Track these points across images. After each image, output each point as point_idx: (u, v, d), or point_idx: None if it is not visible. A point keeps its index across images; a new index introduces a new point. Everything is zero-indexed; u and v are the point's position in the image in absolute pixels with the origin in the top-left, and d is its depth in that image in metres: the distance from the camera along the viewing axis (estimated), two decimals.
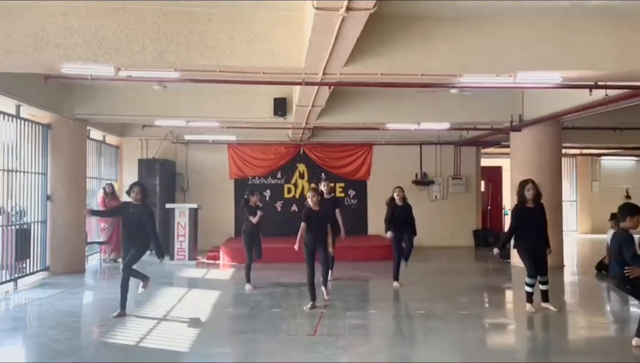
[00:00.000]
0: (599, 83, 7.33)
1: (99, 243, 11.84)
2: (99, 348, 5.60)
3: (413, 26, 6.40)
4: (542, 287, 7.08)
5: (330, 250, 7.32)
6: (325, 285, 7.49)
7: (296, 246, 7.14)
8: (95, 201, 12.31)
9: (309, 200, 7.18)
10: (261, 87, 9.39)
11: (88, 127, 11.32)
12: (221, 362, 5.19)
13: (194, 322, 6.56)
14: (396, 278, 8.75)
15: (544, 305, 7.09)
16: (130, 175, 13.45)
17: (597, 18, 6.30)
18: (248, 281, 8.43)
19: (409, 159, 14.82)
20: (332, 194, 10.25)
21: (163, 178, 13.18)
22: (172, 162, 14.05)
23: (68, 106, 10.17)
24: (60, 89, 9.79)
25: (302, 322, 6.52)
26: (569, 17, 6.31)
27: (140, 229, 6.68)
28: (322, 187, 9.21)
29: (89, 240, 11.30)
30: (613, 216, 10.30)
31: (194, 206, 12.07)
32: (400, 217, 8.67)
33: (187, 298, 8.08)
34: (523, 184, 7.02)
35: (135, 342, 5.67)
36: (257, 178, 14.57)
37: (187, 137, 13.58)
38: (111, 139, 13.62)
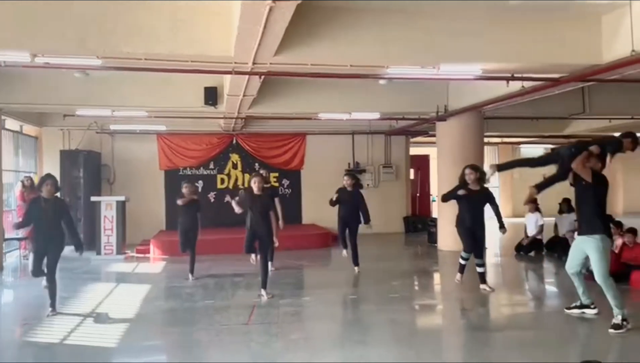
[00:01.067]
0: (516, 75, 7.78)
1: (17, 239, 11.17)
2: (23, 347, 5.35)
3: (342, 17, 6.51)
4: (479, 269, 7.43)
5: (275, 240, 7.14)
6: (265, 287, 7.11)
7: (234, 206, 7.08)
8: (13, 195, 11.60)
9: (253, 185, 7.04)
10: (191, 75, 9.17)
11: (3, 117, 10.61)
12: (150, 359, 5.11)
13: (122, 317, 6.38)
14: (345, 246, 8.92)
15: (482, 286, 7.43)
16: (51, 167, 12.69)
17: (515, 14, 6.69)
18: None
19: (341, 148, 15.04)
20: (269, 184, 10.24)
21: (87, 170, 12.61)
22: (97, 153, 13.46)
23: None
24: None
25: (236, 312, 6.51)
26: (488, 12, 6.65)
27: (56, 224, 6.31)
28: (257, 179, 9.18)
29: (6, 236, 10.64)
30: (531, 200, 11.03)
31: (122, 198, 11.64)
32: (347, 202, 8.75)
33: (115, 294, 7.83)
34: (462, 170, 7.34)
35: (60, 340, 5.45)
36: (188, 169, 14.26)
37: (112, 127, 13.02)
38: (29, 129, 12.84)
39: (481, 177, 7.25)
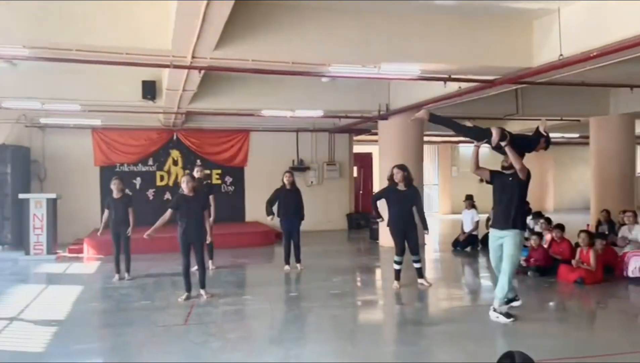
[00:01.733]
0: (453, 76, 8.01)
1: None
2: None
3: (284, 14, 6.47)
4: (415, 265, 7.56)
5: (209, 237, 7.03)
6: (204, 286, 6.96)
7: (146, 235, 6.72)
8: None
9: (183, 186, 6.87)
10: (128, 69, 8.84)
11: None
12: (81, 361, 4.89)
13: (52, 320, 6.05)
14: (288, 261, 8.89)
15: (419, 281, 7.58)
16: None
17: (452, 16, 6.88)
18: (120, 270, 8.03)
19: (286, 145, 14.98)
20: (207, 181, 10.05)
21: (16, 166, 11.91)
22: (26, 148, 12.71)
23: None
24: None
25: (173, 312, 6.34)
26: (427, 14, 6.80)
27: None
28: (196, 173, 9.00)
29: None
30: (467, 198, 11.44)
31: (52, 196, 11.07)
32: (289, 202, 8.74)
33: (45, 295, 7.45)
34: (391, 170, 7.47)
35: None
36: (125, 165, 13.75)
37: (43, 120, 12.35)
38: None
39: (409, 177, 7.40)
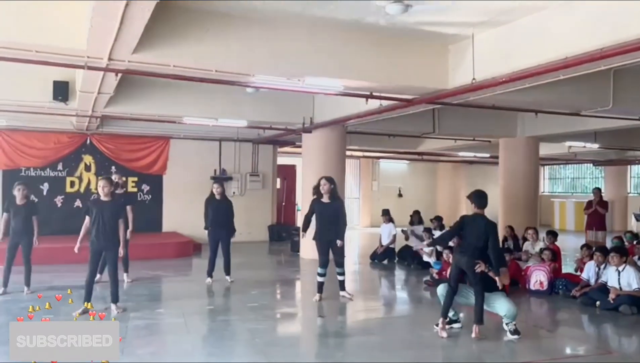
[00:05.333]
0: (374, 94, 8.24)
1: None
2: None
3: (209, 21, 6.34)
4: (339, 278, 7.60)
5: (121, 250, 6.63)
6: (116, 301, 6.63)
7: (76, 248, 6.44)
8: None
9: (99, 190, 6.50)
10: (38, 67, 8.28)
11: None
12: None
13: None
14: (210, 275, 8.67)
15: (342, 293, 7.62)
16: None
17: (374, 35, 7.06)
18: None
19: (208, 154, 14.68)
20: (125, 189, 9.58)
21: None
22: None
23: None
24: None
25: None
26: (350, 31, 6.94)
27: None
28: (113, 177, 8.56)
29: None
30: (385, 212, 11.77)
31: None
32: (218, 213, 8.53)
33: None
34: (318, 181, 7.45)
35: None
36: (32, 169, 12.84)
37: None
38: None
39: (334, 189, 7.46)
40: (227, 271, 8.77)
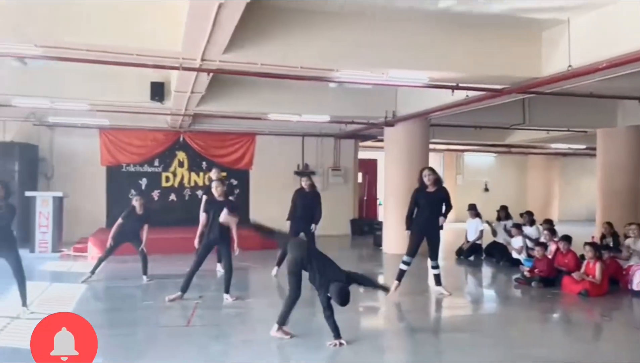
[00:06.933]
0: (461, 85, 8.01)
1: None
2: None
3: (294, 19, 6.50)
4: (434, 272, 7.46)
5: (235, 247, 6.90)
6: (228, 291, 6.93)
7: (196, 243, 6.86)
8: None
9: (213, 190, 6.91)
10: (137, 69, 8.91)
11: None
12: None
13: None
14: (280, 264, 8.78)
15: (437, 288, 7.48)
16: None
17: (461, 25, 6.88)
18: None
19: (291, 150, 15.02)
20: (225, 185, 9.96)
21: (23, 163, 11.98)
22: (34, 146, 12.81)
23: None
24: None
25: (176, 314, 6.36)
26: (437, 22, 6.81)
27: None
28: (212, 174, 9.02)
29: None
30: (471, 207, 11.41)
31: (59, 194, 11.14)
32: (304, 206, 8.61)
33: (47, 293, 7.47)
34: (420, 172, 7.30)
35: None
36: (132, 166, 13.82)
37: (51, 119, 12.44)
38: None
39: (439, 177, 7.32)
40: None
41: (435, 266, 7.43)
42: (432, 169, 7.34)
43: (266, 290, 7.95)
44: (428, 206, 7.20)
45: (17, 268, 6.26)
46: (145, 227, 8.16)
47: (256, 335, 5.76)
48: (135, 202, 8.24)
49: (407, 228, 7.32)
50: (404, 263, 7.31)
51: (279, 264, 8.79)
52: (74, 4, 5.90)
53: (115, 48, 6.24)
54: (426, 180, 7.19)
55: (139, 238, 8.15)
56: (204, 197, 7.79)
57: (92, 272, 8.09)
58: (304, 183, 8.81)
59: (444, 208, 7.28)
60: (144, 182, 13.80)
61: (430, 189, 7.22)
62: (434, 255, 7.35)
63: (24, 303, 6.28)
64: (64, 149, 13.23)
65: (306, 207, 8.68)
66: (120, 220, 8.13)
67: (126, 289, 7.64)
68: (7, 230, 6.26)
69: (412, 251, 7.27)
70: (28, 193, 11.06)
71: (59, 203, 11.01)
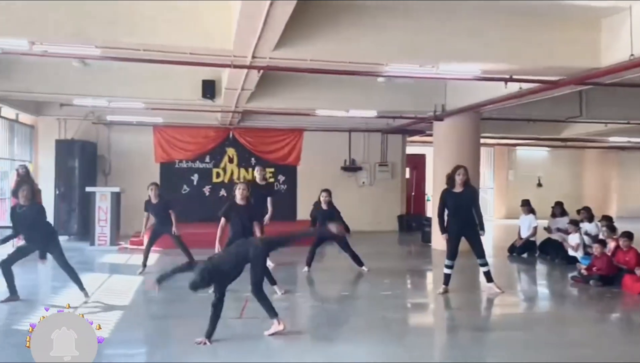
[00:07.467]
0: (514, 77, 7.79)
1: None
2: (9, 335, 5.34)
3: (342, 14, 6.50)
4: (482, 269, 7.34)
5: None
6: (274, 282, 7.05)
7: (216, 248, 6.74)
8: (8, 183, 11.56)
9: (237, 193, 6.81)
10: (189, 68, 9.15)
11: None
12: (140, 350, 5.10)
13: (114, 308, 6.37)
14: (309, 264, 8.88)
15: (488, 284, 7.36)
16: (46, 157, 12.77)
17: (514, 15, 6.70)
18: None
19: (338, 145, 15.03)
20: (266, 182, 10.11)
21: (83, 160, 12.57)
22: (93, 144, 13.41)
23: None
24: None
25: (228, 305, 6.45)
26: (488, 12, 6.65)
27: (34, 231, 6.41)
28: (256, 173, 9.14)
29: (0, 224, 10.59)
30: (524, 203, 11.09)
31: (116, 189, 11.63)
32: (324, 217, 8.47)
33: (107, 284, 7.82)
34: (454, 170, 7.18)
35: None
36: (184, 162, 14.23)
37: (109, 118, 12.99)
38: (25, 118, 12.76)
39: (468, 179, 7.18)
40: (358, 262, 8.82)
41: (484, 264, 7.29)
42: (466, 169, 7.16)
43: (314, 285, 8.02)
44: (458, 208, 7.09)
45: (62, 263, 6.60)
46: (172, 214, 8.30)
47: (306, 327, 5.83)
48: (150, 191, 8.40)
49: (443, 232, 7.25)
50: (447, 267, 7.24)
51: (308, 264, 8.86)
52: (131, 5, 6.13)
53: (170, 47, 6.42)
54: (458, 179, 7.07)
55: (168, 228, 8.28)
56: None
57: (144, 265, 8.38)
58: (322, 199, 8.67)
59: (475, 216, 7.11)
60: (195, 178, 14.18)
61: (458, 189, 7.11)
62: (479, 253, 7.23)
63: (85, 294, 6.58)
64: (120, 146, 13.78)
65: (323, 217, 8.52)
66: (145, 213, 8.41)
67: (179, 281, 7.86)
68: (41, 227, 6.55)
69: (452, 253, 7.18)
70: (88, 189, 11.59)
71: (116, 198, 11.49)
